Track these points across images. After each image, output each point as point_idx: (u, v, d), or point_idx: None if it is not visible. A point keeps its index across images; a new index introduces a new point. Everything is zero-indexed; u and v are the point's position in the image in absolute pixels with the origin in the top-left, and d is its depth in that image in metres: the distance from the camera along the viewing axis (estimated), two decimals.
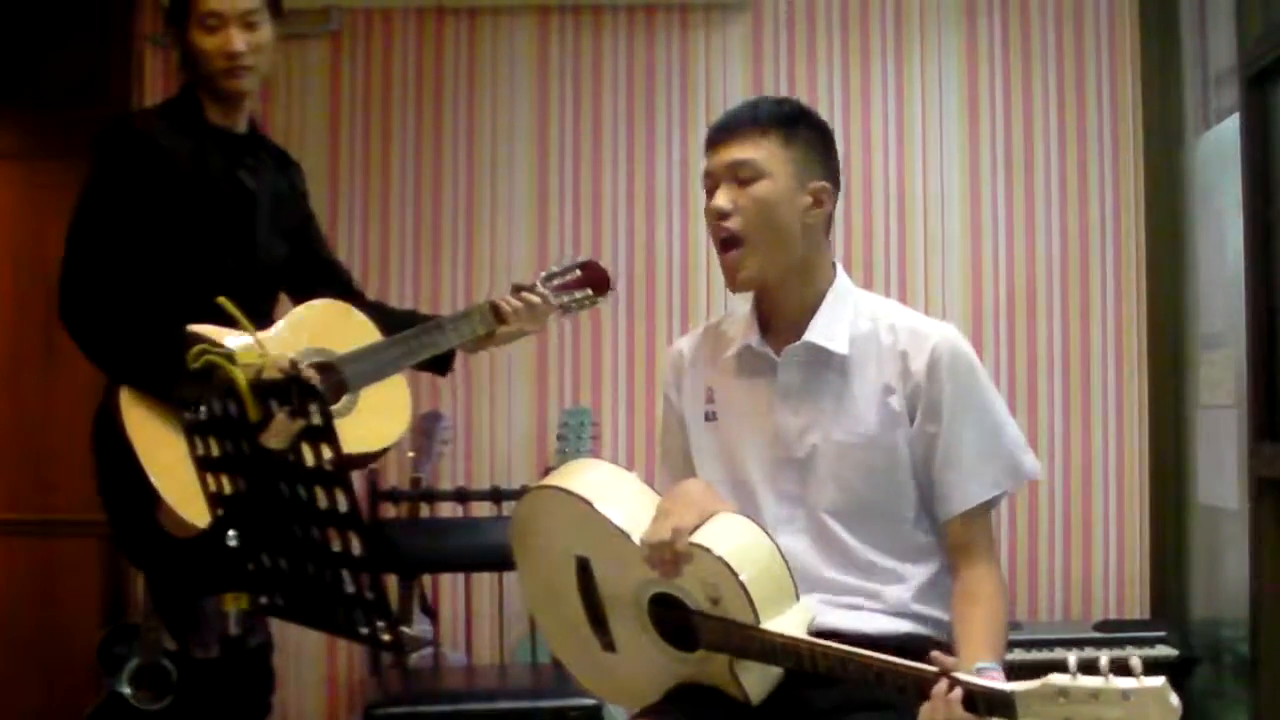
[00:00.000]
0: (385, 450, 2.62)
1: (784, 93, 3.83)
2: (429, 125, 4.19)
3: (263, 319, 2.52)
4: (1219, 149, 3.67)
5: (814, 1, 4.22)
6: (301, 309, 2.63)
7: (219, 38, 2.50)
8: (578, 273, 2.78)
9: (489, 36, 4.21)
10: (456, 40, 4.21)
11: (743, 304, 2.18)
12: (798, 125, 2.07)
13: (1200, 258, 3.87)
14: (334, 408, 2.38)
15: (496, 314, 2.67)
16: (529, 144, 4.19)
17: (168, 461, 2.26)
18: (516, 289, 2.70)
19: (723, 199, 2.03)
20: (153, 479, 2.31)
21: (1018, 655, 3.53)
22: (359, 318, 2.63)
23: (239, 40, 2.50)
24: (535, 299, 2.69)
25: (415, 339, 2.60)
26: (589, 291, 2.78)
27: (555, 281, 2.76)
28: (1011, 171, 4.20)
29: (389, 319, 2.69)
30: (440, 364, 2.74)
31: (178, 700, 3.80)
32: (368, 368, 2.52)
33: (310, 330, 2.55)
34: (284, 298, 2.77)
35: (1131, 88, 4.18)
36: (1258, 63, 3.33)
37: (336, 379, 2.48)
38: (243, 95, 2.58)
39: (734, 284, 2.07)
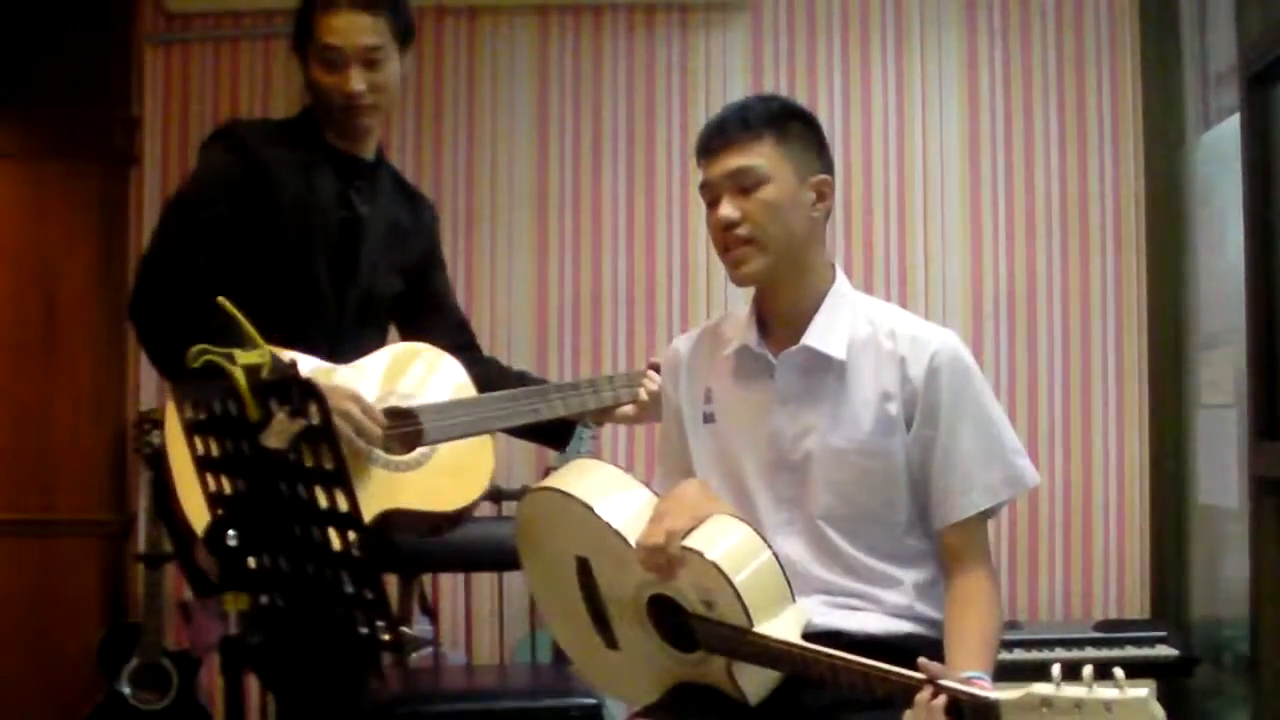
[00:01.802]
0: (448, 514, 2.33)
1: (784, 93, 3.83)
2: (429, 125, 4.19)
3: (358, 350, 2.37)
4: (1219, 149, 3.67)
5: (814, 1, 4.23)
6: (395, 349, 2.44)
7: (337, 76, 2.33)
8: None
9: (489, 36, 4.21)
10: (456, 40, 4.21)
11: (741, 305, 2.18)
12: (788, 121, 2.05)
13: (1200, 258, 3.87)
14: (404, 458, 2.28)
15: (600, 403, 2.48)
16: (529, 144, 4.19)
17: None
18: (656, 368, 2.44)
19: (728, 209, 2.01)
20: (186, 511, 2.13)
21: (1018, 655, 3.53)
22: (456, 371, 2.43)
23: (358, 80, 2.32)
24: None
25: (512, 401, 2.40)
26: None
27: None
28: (1011, 171, 4.20)
29: (496, 379, 2.51)
30: (556, 436, 2.55)
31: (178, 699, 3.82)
32: (452, 422, 2.32)
33: (398, 373, 2.36)
34: None
35: (1131, 88, 4.18)
36: (1258, 63, 3.33)
37: (414, 428, 2.29)
38: (363, 133, 2.42)
39: (739, 278, 2.06)
